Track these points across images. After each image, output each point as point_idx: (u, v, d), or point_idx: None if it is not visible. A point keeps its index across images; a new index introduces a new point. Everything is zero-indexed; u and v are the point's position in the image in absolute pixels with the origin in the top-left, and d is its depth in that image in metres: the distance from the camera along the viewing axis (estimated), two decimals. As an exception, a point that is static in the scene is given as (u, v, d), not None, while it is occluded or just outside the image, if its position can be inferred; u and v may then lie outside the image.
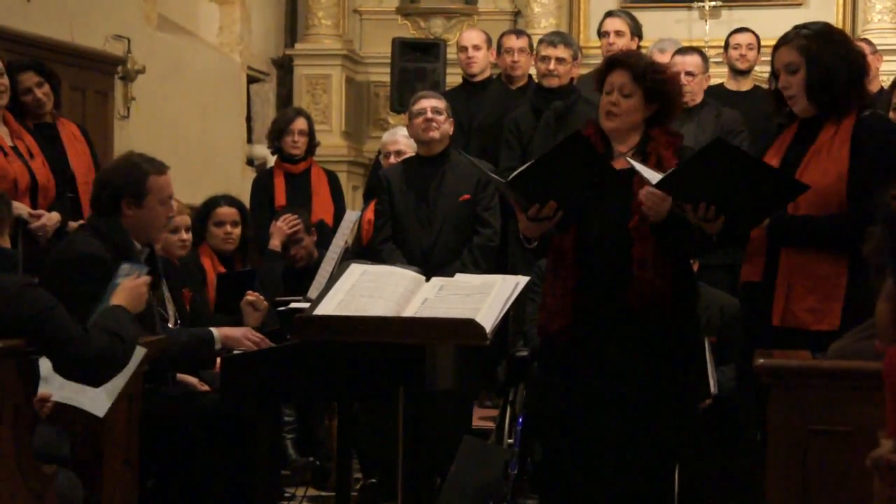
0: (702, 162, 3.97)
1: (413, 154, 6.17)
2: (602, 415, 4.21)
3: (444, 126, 5.90)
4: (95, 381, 3.64)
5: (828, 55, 4.02)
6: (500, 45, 7.41)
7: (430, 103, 5.92)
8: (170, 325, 4.72)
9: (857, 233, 3.85)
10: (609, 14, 7.68)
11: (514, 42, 7.34)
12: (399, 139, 6.53)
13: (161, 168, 4.41)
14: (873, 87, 7.10)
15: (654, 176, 4.03)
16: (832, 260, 3.97)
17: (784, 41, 4.11)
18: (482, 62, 7.37)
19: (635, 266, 4.15)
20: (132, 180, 4.32)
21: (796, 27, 4.15)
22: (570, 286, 4.24)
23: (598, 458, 4.24)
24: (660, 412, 4.20)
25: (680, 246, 4.20)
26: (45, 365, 3.64)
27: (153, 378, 4.30)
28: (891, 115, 4.58)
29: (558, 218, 4.13)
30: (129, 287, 3.82)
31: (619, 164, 4.26)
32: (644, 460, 4.22)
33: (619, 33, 7.35)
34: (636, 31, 7.45)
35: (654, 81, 4.29)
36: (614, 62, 4.38)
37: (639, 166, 4.08)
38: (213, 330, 4.53)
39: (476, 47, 7.36)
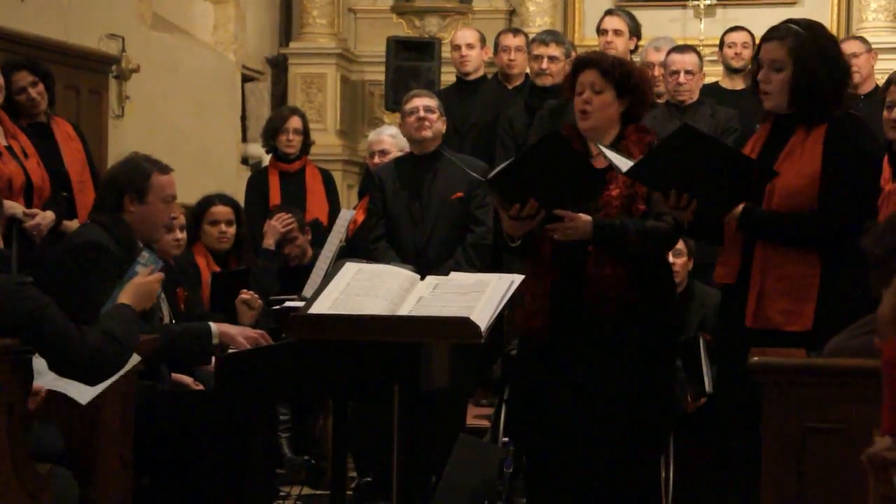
0: (670, 149, 3.97)
1: (398, 153, 6.17)
2: (582, 412, 4.24)
3: (436, 124, 5.90)
4: (89, 380, 3.63)
5: (816, 60, 4.00)
6: (496, 44, 7.42)
7: (422, 102, 5.92)
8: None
9: (825, 233, 3.90)
10: (609, 12, 7.68)
11: (510, 40, 7.35)
12: (384, 138, 6.53)
13: (164, 168, 4.57)
14: (868, 86, 7.11)
15: (624, 164, 4.04)
16: (805, 261, 3.96)
17: (775, 36, 4.08)
18: (475, 61, 7.37)
19: (590, 264, 4.21)
20: (135, 177, 4.48)
21: (787, 22, 4.12)
22: (547, 286, 4.28)
23: (579, 455, 4.27)
24: (637, 409, 4.24)
25: (625, 250, 4.23)
26: (38, 361, 3.63)
27: (148, 376, 4.29)
28: (885, 113, 4.56)
29: (542, 217, 4.14)
30: (139, 283, 3.83)
31: (596, 164, 4.30)
32: (624, 457, 4.26)
33: (617, 32, 7.34)
34: (635, 31, 7.45)
35: (622, 75, 4.36)
36: (582, 63, 4.45)
37: (609, 153, 4.10)
38: (212, 324, 4.53)
39: (469, 46, 7.36)
